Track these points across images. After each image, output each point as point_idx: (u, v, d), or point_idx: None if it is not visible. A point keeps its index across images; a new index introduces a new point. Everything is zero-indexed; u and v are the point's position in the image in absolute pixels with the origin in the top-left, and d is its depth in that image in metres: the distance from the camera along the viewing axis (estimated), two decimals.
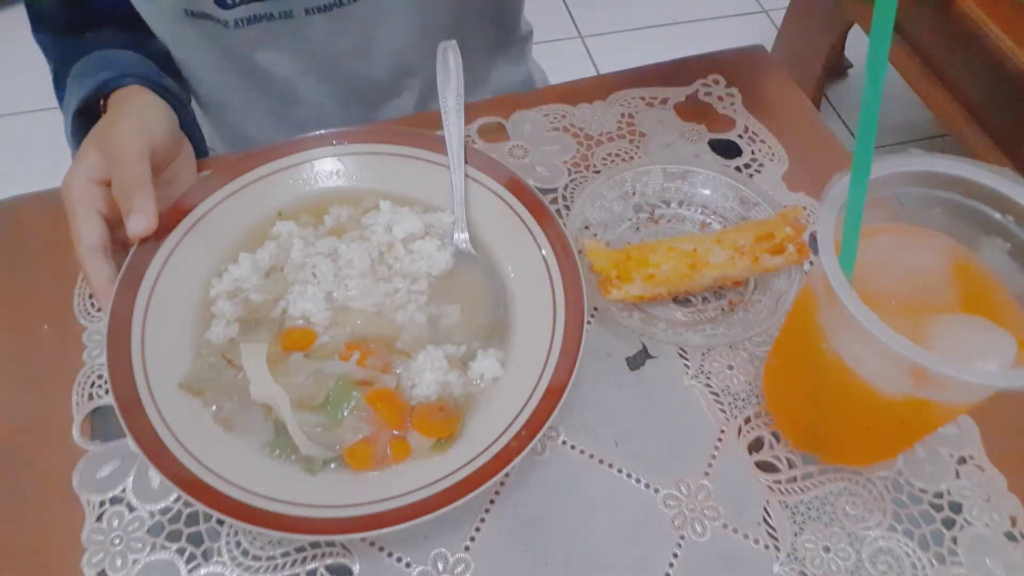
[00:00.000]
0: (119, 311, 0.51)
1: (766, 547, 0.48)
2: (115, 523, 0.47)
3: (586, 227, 0.60)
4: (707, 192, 0.63)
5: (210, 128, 0.84)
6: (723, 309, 0.58)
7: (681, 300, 0.58)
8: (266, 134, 0.79)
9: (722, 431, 0.52)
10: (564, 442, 0.51)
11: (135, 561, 0.46)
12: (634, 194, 0.63)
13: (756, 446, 0.52)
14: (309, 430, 0.48)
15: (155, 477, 0.49)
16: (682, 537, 0.48)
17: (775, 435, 0.52)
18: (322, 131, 0.61)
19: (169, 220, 0.55)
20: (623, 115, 0.70)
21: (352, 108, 0.77)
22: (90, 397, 0.52)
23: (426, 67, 0.65)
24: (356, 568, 0.46)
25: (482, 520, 0.48)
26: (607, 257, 0.56)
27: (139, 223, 0.50)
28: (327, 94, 0.76)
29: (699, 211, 0.63)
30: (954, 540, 0.48)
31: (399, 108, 0.79)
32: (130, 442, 0.45)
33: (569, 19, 2.09)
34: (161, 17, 0.66)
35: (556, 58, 1.33)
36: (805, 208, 0.64)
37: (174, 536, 0.47)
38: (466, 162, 0.60)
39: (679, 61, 0.75)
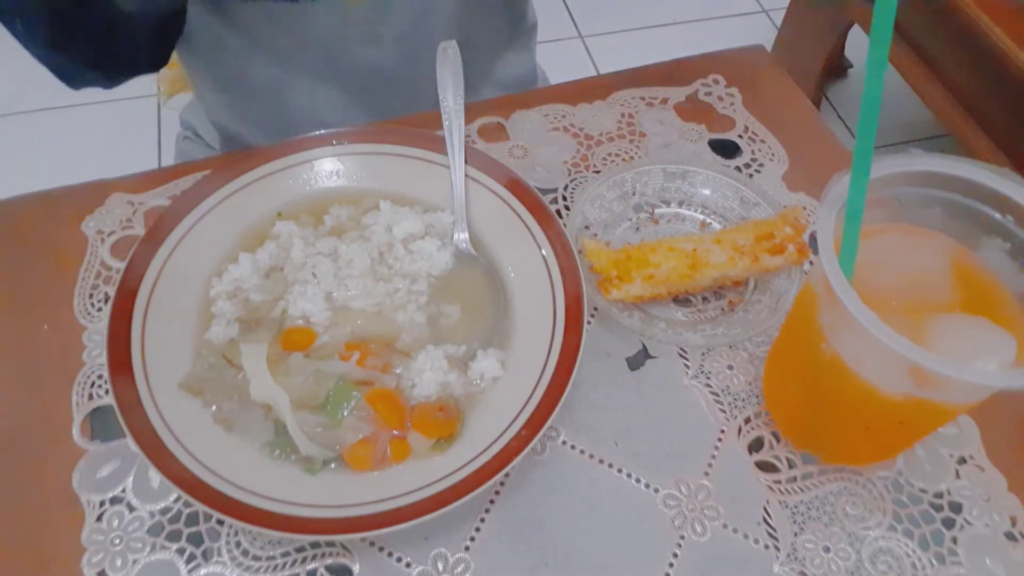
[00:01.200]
0: (119, 311, 0.51)
1: (766, 547, 0.48)
2: (115, 523, 0.47)
3: (586, 227, 0.60)
4: (707, 192, 0.63)
5: (210, 128, 0.83)
6: (723, 309, 0.58)
7: (681, 300, 0.58)
8: (263, 135, 0.79)
9: (722, 431, 0.52)
10: (564, 442, 0.51)
11: (135, 561, 0.46)
12: (634, 194, 0.63)
13: (756, 446, 0.52)
14: (309, 430, 0.48)
15: (155, 477, 0.49)
16: (682, 537, 0.48)
17: (775, 435, 0.52)
18: (322, 131, 0.61)
19: (169, 220, 0.55)
20: (623, 115, 0.70)
21: (357, 103, 0.77)
22: (90, 397, 0.52)
23: (434, 57, 0.64)
24: (356, 568, 0.46)
25: (482, 520, 0.48)
26: (607, 257, 0.56)
27: None
28: (331, 88, 0.75)
29: (699, 211, 0.63)
30: (954, 540, 0.48)
31: (404, 101, 0.78)
32: (130, 442, 0.45)
33: (569, 19, 2.09)
34: None
35: (556, 58, 1.33)
36: (805, 208, 0.64)
37: (174, 536, 0.47)
38: (466, 162, 0.60)
39: (679, 61, 0.75)
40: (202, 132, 0.88)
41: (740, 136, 0.69)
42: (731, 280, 0.57)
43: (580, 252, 0.56)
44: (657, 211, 0.63)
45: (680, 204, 0.63)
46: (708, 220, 0.62)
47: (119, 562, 0.46)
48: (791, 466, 0.51)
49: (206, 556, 0.46)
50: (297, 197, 0.60)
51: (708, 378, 0.55)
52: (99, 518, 0.47)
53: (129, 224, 0.61)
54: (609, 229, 0.61)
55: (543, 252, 0.55)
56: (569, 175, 0.66)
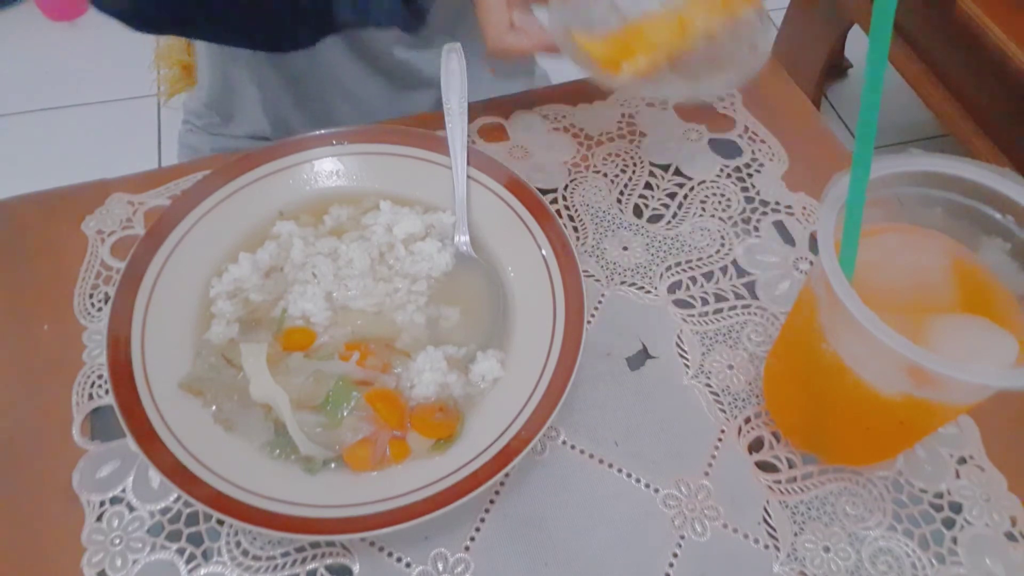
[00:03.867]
0: (119, 311, 0.51)
1: (766, 547, 0.48)
2: (115, 523, 0.47)
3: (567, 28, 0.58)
4: None
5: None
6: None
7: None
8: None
9: (722, 431, 0.52)
10: (564, 442, 0.51)
11: (135, 561, 0.46)
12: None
13: (756, 446, 0.52)
14: (309, 430, 0.48)
15: (155, 477, 0.49)
16: (682, 537, 0.48)
17: (775, 435, 0.52)
18: (322, 131, 0.61)
19: (169, 220, 0.55)
20: (623, 115, 0.70)
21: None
22: (90, 397, 0.52)
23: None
24: (356, 568, 0.46)
25: (482, 520, 0.48)
26: (604, 45, 0.54)
27: None
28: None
29: None
30: (954, 540, 0.48)
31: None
32: (130, 442, 0.45)
33: None
34: None
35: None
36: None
37: (174, 536, 0.47)
38: (467, 162, 0.60)
39: None
40: (202, 120, 0.87)
41: (740, 136, 0.69)
42: (714, 31, 0.55)
43: (573, 45, 0.55)
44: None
45: None
46: None
47: (119, 562, 0.46)
48: (791, 466, 0.51)
49: (206, 556, 0.46)
50: (297, 197, 0.60)
51: (708, 378, 0.55)
52: (99, 518, 0.47)
53: (129, 224, 0.61)
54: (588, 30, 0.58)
55: (543, 252, 0.55)
56: (569, 175, 0.66)
